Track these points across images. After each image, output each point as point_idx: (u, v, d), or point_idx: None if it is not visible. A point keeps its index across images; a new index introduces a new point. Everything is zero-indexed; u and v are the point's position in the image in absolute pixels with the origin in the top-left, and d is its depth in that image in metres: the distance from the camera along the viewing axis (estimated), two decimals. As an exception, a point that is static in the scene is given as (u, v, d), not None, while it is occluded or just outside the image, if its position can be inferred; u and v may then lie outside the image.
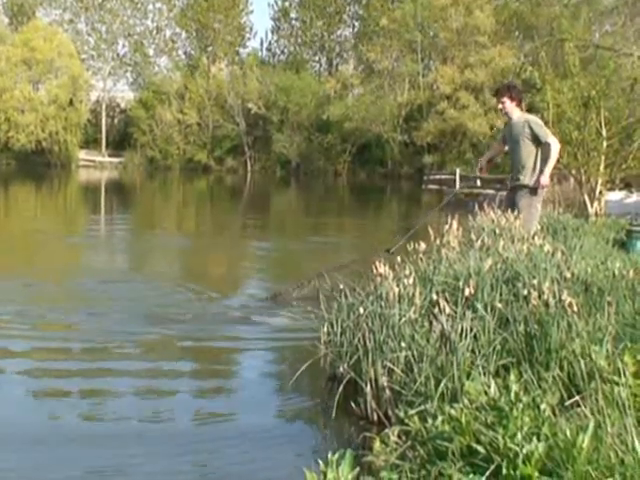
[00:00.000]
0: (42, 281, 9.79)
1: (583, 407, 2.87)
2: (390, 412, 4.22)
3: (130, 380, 5.67)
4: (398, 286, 4.74)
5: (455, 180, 33.80)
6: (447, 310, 4.31)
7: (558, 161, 11.79)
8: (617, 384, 3.02)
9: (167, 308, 8.13)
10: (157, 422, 4.79)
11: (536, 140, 7.78)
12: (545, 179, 7.69)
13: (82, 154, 64.52)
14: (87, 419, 4.77)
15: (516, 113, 7.99)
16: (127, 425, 4.71)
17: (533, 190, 7.82)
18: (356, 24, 68.57)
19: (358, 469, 2.43)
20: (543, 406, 2.72)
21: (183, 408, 5.04)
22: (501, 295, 4.63)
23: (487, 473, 2.45)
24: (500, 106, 8.05)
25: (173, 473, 4.06)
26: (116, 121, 72.25)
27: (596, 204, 15.15)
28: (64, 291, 9.37)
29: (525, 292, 4.46)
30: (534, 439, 2.46)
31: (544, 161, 7.73)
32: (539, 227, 7.87)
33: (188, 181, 50.10)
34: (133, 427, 4.67)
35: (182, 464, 4.12)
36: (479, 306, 4.41)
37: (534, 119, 7.97)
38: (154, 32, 70.59)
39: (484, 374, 3.47)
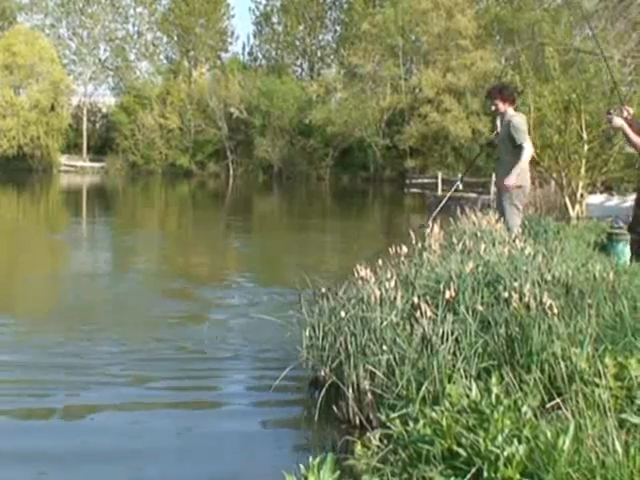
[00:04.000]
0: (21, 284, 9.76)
1: (564, 409, 2.87)
2: (372, 416, 4.22)
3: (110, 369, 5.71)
4: (380, 289, 4.74)
5: (437, 184, 33.93)
6: (428, 313, 4.31)
7: (539, 164, 11.82)
8: (598, 386, 3.03)
9: (150, 313, 8.12)
10: (138, 425, 4.77)
11: (513, 141, 7.84)
12: (509, 181, 7.75)
13: (63, 159, 64.28)
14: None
15: (508, 113, 8.06)
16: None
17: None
18: (338, 28, 68.70)
19: (339, 473, 2.43)
20: (524, 408, 2.72)
21: (164, 413, 5.02)
22: (482, 298, 4.63)
23: (468, 476, 2.44)
24: (493, 107, 8.12)
25: (153, 477, 4.04)
26: (97, 126, 71.88)
27: (577, 207, 15.23)
28: (39, 295, 9.32)
29: (506, 295, 4.47)
30: (515, 441, 2.46)
31: (515, 163, 7.79)
32: (520, 230, 7.90)
33: (170, 186, 49.92)
34: (112, 436, 4.64)
35: (164, 469, 4.11)
36: (460, 309, 4.41)
37: (516, 120, 7.96)
38: (135, 37, 70.57)
39: (465, 377, 3.47)
